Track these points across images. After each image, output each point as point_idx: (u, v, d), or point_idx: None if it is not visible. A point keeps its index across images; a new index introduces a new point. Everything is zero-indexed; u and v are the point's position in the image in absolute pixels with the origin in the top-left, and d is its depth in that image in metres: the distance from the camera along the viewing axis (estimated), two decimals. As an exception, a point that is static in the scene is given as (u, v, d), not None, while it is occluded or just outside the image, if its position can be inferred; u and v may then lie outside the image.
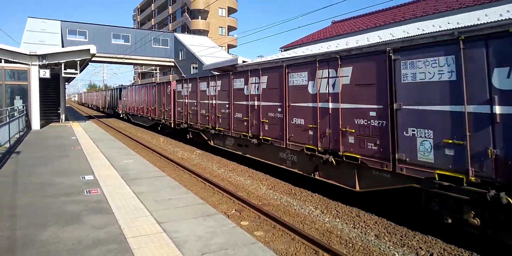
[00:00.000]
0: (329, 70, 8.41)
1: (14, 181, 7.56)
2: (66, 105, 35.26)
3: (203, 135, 15.86)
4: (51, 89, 22.65)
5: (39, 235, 4.66)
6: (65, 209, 5.75)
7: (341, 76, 8.05)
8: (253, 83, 11.52)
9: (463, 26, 9.65)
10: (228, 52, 52.52)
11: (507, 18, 8.96)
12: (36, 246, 4.35)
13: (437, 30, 10.21)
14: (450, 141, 5.85)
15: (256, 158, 11.81)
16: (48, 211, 5.65)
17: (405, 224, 7.01)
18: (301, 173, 9.62)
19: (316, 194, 9.14)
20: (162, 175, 8.46)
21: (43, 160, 9.92)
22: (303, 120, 9.29)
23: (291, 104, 9.73)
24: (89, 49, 18.63)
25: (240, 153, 12.74)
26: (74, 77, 30.39)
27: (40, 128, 18.39)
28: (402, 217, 7.31)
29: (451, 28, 9.84)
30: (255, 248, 4.40)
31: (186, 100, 17.49)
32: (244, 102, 12.09)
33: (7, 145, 11.66)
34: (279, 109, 10.27)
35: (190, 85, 17.14)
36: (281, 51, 24.77)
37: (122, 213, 5.57)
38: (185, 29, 58.27)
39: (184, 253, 4.23)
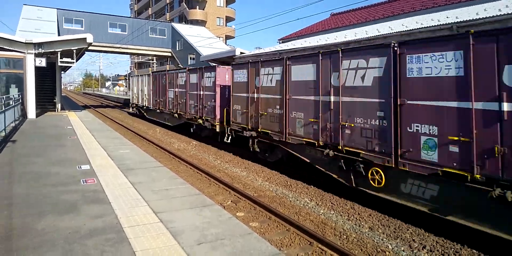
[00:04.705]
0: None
1: (10, 170, 7.55)
2: (62, 95, 34.98)
3: (141, 110, 26.18)
4: (47, 78, 22.43)
5: (36, 224, 4.69)
6: (62, 198, 5.77)
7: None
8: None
9: (461, 20, 9.63)
10: (226, 43, 52.16)
11: (506, 13, 8.95)
12: (33, 235, 4.38)
13: (436, 24, 10.19)
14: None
15: (156, 119, 23.07)
16: (44, 200, 5.66)
17: (398, 217, 7.10)
18: (168, 123, 20.55)
19: (312, 186, 9.21)
20: (158, 166, 8.48)
21: (39, 149, 9.90)
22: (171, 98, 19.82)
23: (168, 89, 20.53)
24: (85, 38, 18.44)
25: (154, 118, 23.59)
26: (70, 66, 30.10)
27: (36, 117, 18.29)
28: (396, 210, 7.40)
29: (450, 22, 9.82)
30: (250, 238, 4.46)
31: (135, 89, 28.10)
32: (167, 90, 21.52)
33: (3, 133, 11.61)
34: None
35: (138, 79, 27.24)
36: (279, 43, 24.63)
37: (119, 203, 5.60)
38: (183, 19, 57.62)
39: (180, 242, 4.28)
